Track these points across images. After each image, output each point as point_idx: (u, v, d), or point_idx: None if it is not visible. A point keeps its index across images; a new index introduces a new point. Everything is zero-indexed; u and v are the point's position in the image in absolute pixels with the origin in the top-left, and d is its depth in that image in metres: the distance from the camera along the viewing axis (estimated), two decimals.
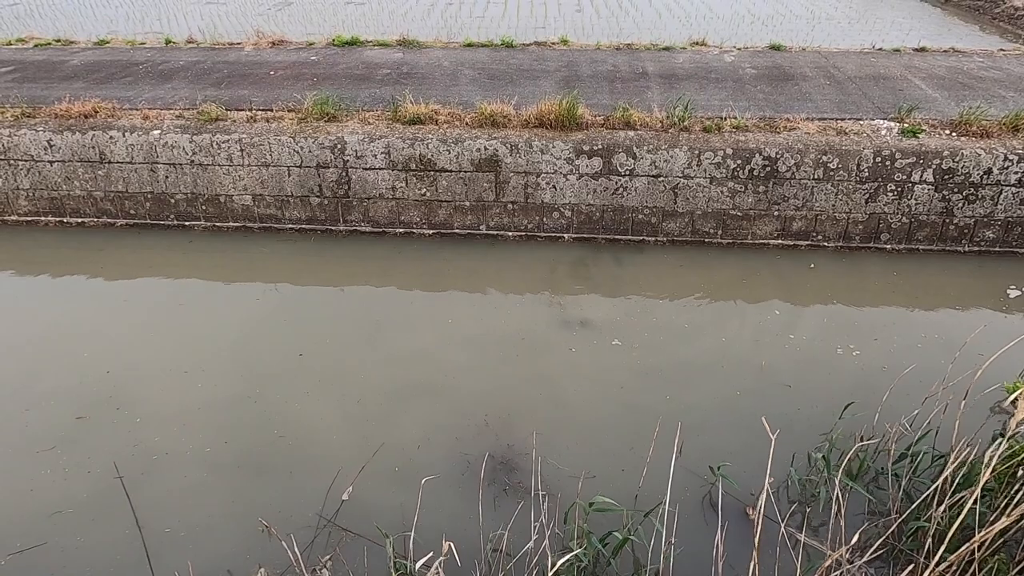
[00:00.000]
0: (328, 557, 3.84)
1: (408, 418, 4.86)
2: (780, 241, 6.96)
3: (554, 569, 2.54)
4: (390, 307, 6.19)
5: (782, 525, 3.23)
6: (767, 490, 2.77)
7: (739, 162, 6.65)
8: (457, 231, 7.21)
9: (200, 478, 4.37)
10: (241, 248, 7.13)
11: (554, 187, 6.92)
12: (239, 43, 10.34)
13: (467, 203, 7.07)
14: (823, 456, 4.02)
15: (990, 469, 2.82)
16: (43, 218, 7.60)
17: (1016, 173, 6.44)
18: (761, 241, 6.98)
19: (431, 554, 3.10)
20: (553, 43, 10.23)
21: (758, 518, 2.94)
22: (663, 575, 3.28)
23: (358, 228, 7.29)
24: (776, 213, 6.83)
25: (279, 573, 3.70)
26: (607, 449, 4.54)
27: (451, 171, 6.93)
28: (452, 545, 2.57)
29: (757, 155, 6.61)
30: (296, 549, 3.53)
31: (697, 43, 10.17)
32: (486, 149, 6.81)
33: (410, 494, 4.08)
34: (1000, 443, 2.98)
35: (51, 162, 7.27)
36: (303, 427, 4.78)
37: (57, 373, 5.27)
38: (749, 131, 6.94)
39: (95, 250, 7.13)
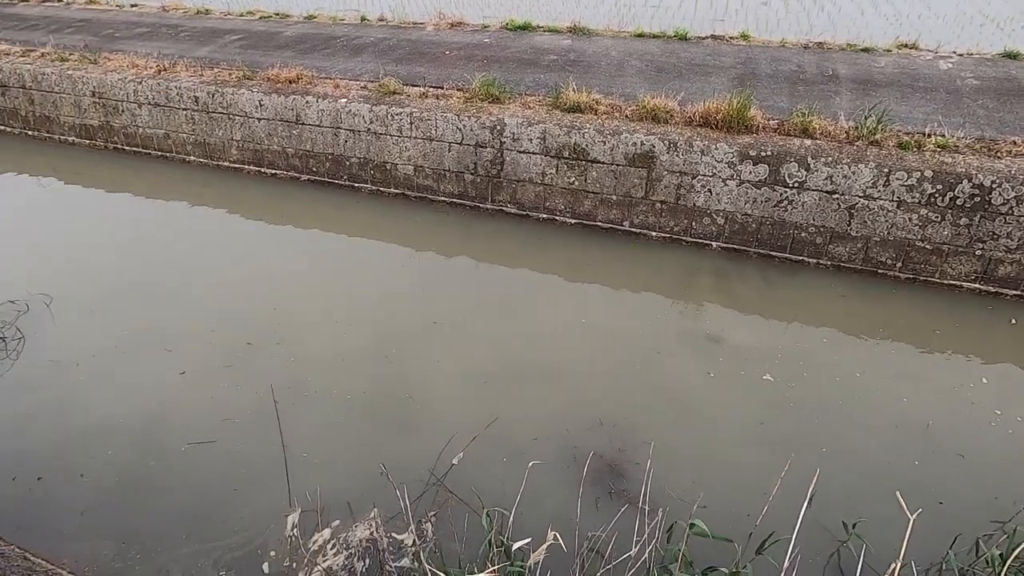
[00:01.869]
0: (433, 513, 4.09)
1: (524, 399, 4.96)
2: (978, 286, 5.91)
3: None
4: (524, 289, 6.33)
5: None
6: (900, 561, 2.38)
7: (939, 187, 5.72)
8: (600, 224, 7.13)
9: (338, 419, 4.87)
10: (398, 213, 7.73)
11: (709, 191, 6.53)
12: (422, 23, 11.08)
13: (614, 197, 6.94)
14: (994, 546, 3.38)
15: None
16: (247, 167, 8.87)
17: None
18: (952, 282, 5.98)
19: (529, 539, 3.15)
20: (731, 37, 9.56)
21: None
22: None
23: (504, 208, 7.51)
24: (979, 252, 5.80)
25: (390, 517, 4.02)
26: (726, 480, 4.25)
27: (603, 163, 6.84)
28: (557, 535, 2.58)
29: (965, 181, 5.64)
30: (408, 499, 3.81)
31: (906, 45, 8.87)
32: (642, 144, 6.60)
33: (514, 471, 4.19)
34: None
35: (259, 119, 8.43)
36: (428, 389, 5.10)
37: (234, 302, 6.16)
38: (959, 152, 5.93)
39: (281, 199, 8.18)
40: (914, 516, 2.55)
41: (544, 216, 7.35)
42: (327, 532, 3.99)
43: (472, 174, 7.50)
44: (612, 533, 3.59)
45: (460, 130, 7.34)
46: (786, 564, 2.81)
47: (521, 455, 4.36)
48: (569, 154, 6.93)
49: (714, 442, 4.55)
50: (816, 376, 5.05)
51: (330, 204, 8.02)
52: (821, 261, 6.37)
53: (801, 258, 6.43)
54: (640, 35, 9.88)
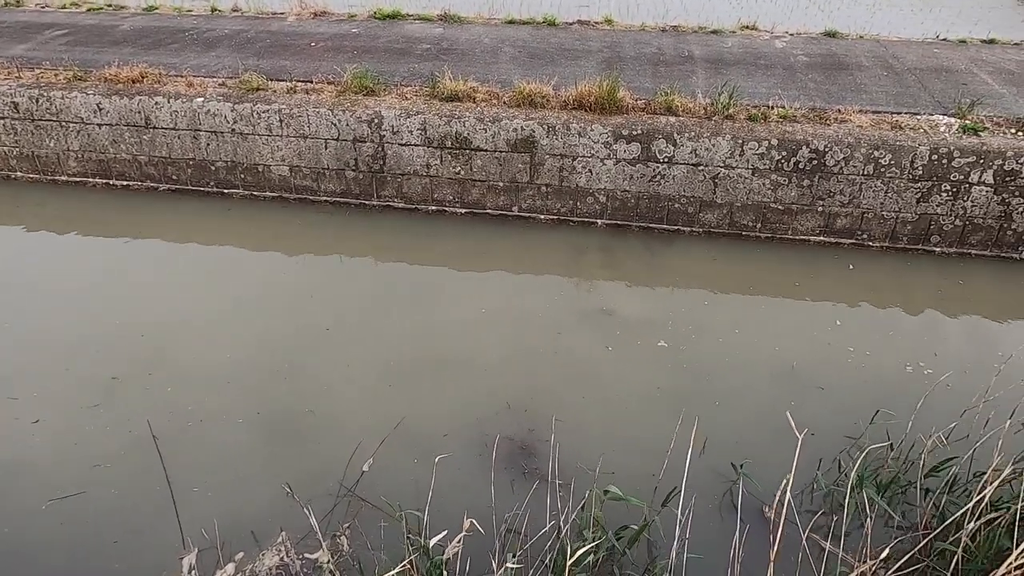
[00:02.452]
0: (347, 526, 3.94)
1: (429, 394, 4.90)
2: (822, 238, 6.71)
3: (575, 556, 2.54)
4: (419, 284, 6.23)
5: (804, 532, 3.15)
6: (787, 490, 2.70)
7: (784, 154, 6.40)
8: (489, 211, 7.18)
9: (230, 445, 4.51)
10: (277, 218, 7.24)
11: (590, 171, 6.80)
12: (282, 13, 10.38)
13: (501, 183, 7.01)
14: (852, 465, 3.90)
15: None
16: (91, 180, 7.84)
17: None
18: (802, 237, 6.74)
19: (445, 532, 3.14)
20: (597, 23, 9.97)
21: (780, 519, 2.88)
22: (676, 572, 3.25)
23: (391, 204, 7.31)
24: (820, 209, 6.58)
25: (300, 538, 3.82)
26: (631, 445, 4.49)
27: (486, 150, 6.87)
28: (474, 521, 2.59)
29: (804, 147, 6.35)
30: (315, 516, 3.63)
31: (747, 27, 9.77)
32: (523, 130, 6.71)
33: (427, 469, 4.12)
34: None
35: (99, 125, 7.48)
36: (328, 398, 4.87)
37: (95, 332, 5.47)
38: (797, 122, 6.66)
39: (138, 213, 7.35)
40: (802, 435, 2.86)
41: (433, 208, 7.26)
42: (230, 567, 3.70)
43: (353, 171, 7.20)
44: (527, 511, 3.68)
45: (335, 125, 7.00)
46: (679, 513, 3.03)
47: (432, 451, 4.30)
48: (452, 143, 6.88)
49: (617, 411, 4.80)
50: (702, 337, 5.47)
51: (197, 214, 7.33)
52: (694, 229, 6.89)
53: (677, 227, 6.91)
54: (511, 22, 9.99)
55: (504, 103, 7.05)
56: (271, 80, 7.61)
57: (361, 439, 4.45)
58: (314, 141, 7.13)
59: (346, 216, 7.26)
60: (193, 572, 3.67)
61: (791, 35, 9.40)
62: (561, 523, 3.31)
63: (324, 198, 7.43)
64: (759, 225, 6.76)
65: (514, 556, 3.22)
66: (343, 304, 5.89)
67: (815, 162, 6.38)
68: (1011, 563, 2.62)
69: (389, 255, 6.66)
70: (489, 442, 4.47)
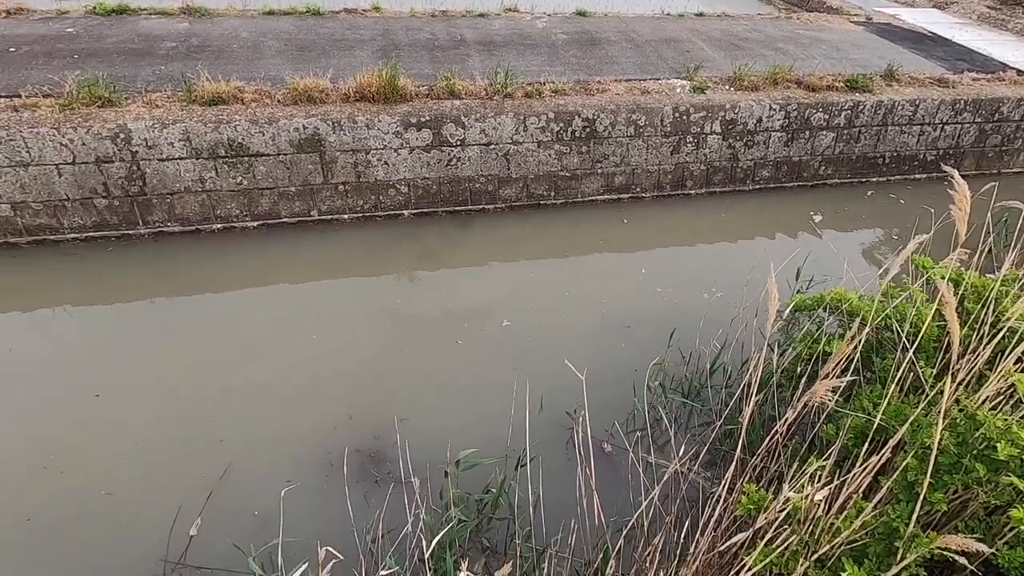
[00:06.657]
0: None
1: (255, 429, 4.45)
2: (605, 196, 7.53)
3: (436, 538, 2.54)
4: (214, 314, 5.54)
5: (630, 450, 3.57)
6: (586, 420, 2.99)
7: (561, 125, 6.98)
8: (286, 220, 6.64)
9: (14, 546, 3.59)
10: (8, 270, 5.82)
11: (386, 163, 6.67)
12: None
13: (292, 188, 6.52)
14: (659, 383, 4.51)
15: (770, 372, 3.38)
16: None
17: (779, 120, 7.65)
18: (590, 198, 7.48)
19: (307, 564, 2.91)
20: (365, 10, 9.70)
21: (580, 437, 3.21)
22: (537, 523, 3.46)
23: (164, 229, 6.35)
24: (600, 171, 7.34)
25: None
26: (474, 422, 4.59)
27: (269, 155, 6.31)
28: (329, 549, 2.43)
29: (576, 117, 7.00)
30: None
31: (510, 9, 10.36)
32: (305, 128, 6.29)
33: (270, 508, 3.80)
34: (782, 348, 3.59)
35: None
36: (126, 469, 4.13)
37: None
38: (567, 95, 7.30)
39: None
40: (584, 374, 3.16)
41: (219, 226, 6.49)
42: None
43: (105, 197, 6.08)
44: (390, 516, 3.58)
45: (67, 146, 5.81)
46: (528, 468, 3.21)
47: (272, 489, 3.94)
48: (226, 152, 6.18)
49: (466, 397, 4.82)
50: (538, 306, 5.68)
51: None
52: (497, 205, 7.21)
53: (481, 206, 7.17)
54: (270, 13, 9.22)
55: (278, 102, 6.52)
56: None
57: (180, 503, 3.87)
58: (40, 168, 5.83)
59: (108, 253, 6.12)
60: None
61: (548, 15, 10.21)
62: (423, 512, 3.28)
63: (73, 235, 6.16)
64: (553, 193, 7.33)
65: (381, 564, 3.12)
66: (116, 361, 4.97)
67: (588, 130, 7.08)
68: (777, 429, 3.28)
69: (171, 289, 5.78)
70: (334, 459, 4.23)
